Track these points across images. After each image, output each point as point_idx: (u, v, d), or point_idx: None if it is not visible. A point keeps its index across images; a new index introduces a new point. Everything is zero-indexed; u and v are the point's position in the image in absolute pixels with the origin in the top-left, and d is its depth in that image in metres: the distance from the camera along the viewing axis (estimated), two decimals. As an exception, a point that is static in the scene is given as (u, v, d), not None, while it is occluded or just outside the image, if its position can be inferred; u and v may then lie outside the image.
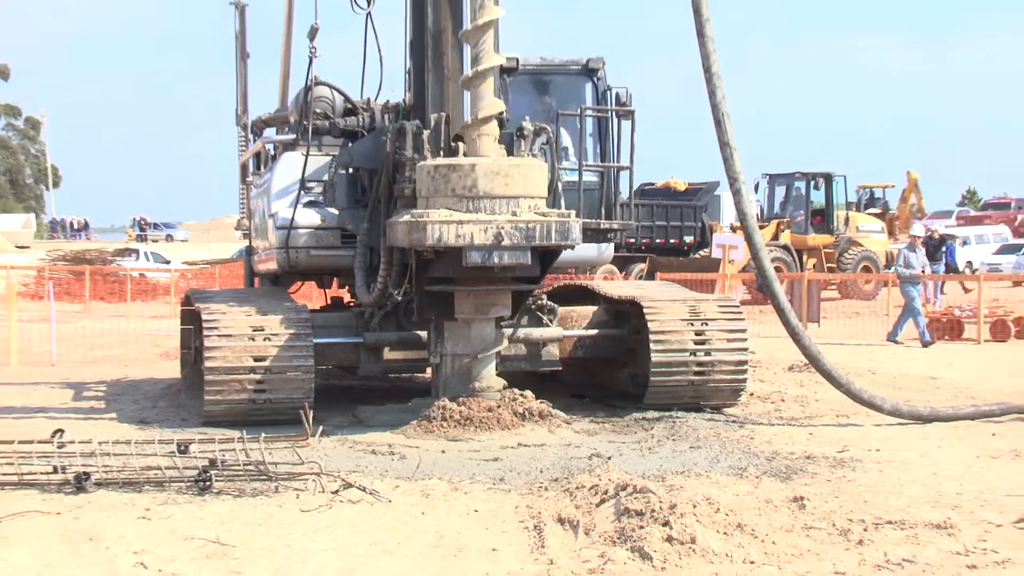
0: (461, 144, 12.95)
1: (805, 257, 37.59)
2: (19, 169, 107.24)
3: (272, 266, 14.98)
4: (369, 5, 14.56)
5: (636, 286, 17.37)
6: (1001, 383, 16.74)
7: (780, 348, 14.95)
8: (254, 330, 12.87)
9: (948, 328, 25.42)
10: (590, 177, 14.65)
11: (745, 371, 14.11)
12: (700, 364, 13.79)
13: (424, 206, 12.52)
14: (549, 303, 14.51)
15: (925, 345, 23.17)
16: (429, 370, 14.06)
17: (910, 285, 23.35)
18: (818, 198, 39.30)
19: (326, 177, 14.45)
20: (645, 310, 13.85)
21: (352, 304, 15.04)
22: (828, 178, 39.34)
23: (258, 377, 12.72)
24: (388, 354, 14.15)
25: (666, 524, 8.03)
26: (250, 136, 19.04)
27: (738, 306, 14.62)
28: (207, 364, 12.75)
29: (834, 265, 38.11)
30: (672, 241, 39.15)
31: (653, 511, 8.24)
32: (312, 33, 14.81)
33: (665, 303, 14.12)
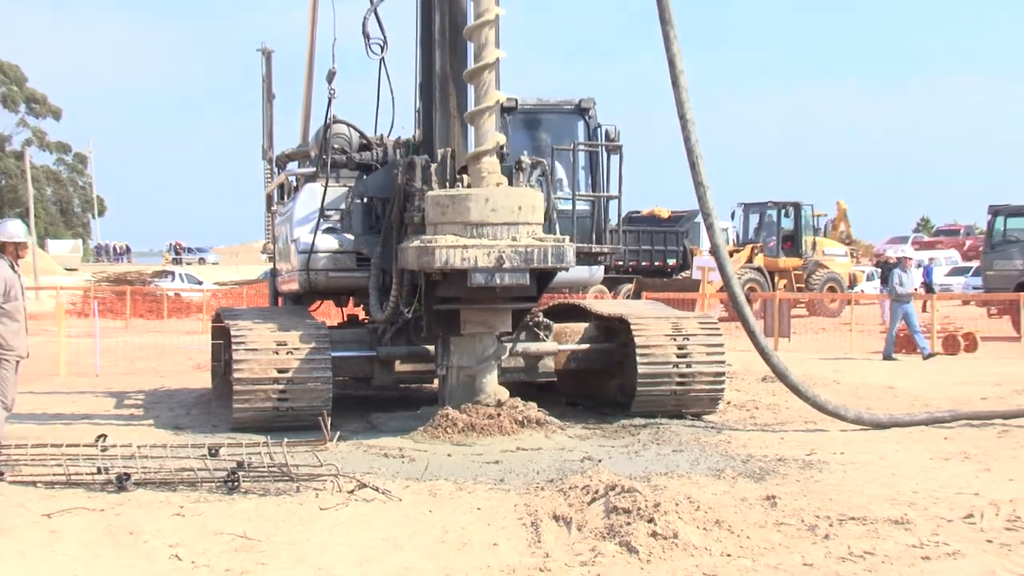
0: (466, 176, 13.00)
1: (776, 278, 37.60)
2: (68, 199, 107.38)
3: (294, 286, 14.98)
4: (382, 51, 14.56)
5: (624, 304, 17.33)
6: (952, 392, 16.72)
7: (755, 360, 14.90)
8: (278, 345, 12.86)
9: (905, 342, 25.38)
10: (582, 206, 14.65)
11: (723, 382, 14.09)
12: (682, 375, 13.78)
13: (432, 232, 12.52)
14: (545, 320, 14.51)
15: (931, 356, 22.81)
16: (437, 381, 14.02)
17: (903, 304, 23.10)
18: (788, 225, 39.33)
19: (343, 206, 14.45)
20: (632, 326, 13.85)
21: (366, 321, 15.01)
22: (797, 207, 39.45)
23: (281, 387, 12.70)
24: (399, 366, 14.14)
25: (651, 521, 8.02)
26: (275, 169, 19.08)
27: (716, 323, 14.64)
28: (236, 375, 12.73)
29: (803, 285, 38.13)
30: (656, 264, 39.20)
31: (639, 509, 8.23)
32: (331, 76, 14.84)
33: (650, 320, 14.12)
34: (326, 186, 14.33)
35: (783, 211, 39.41)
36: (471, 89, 13.13)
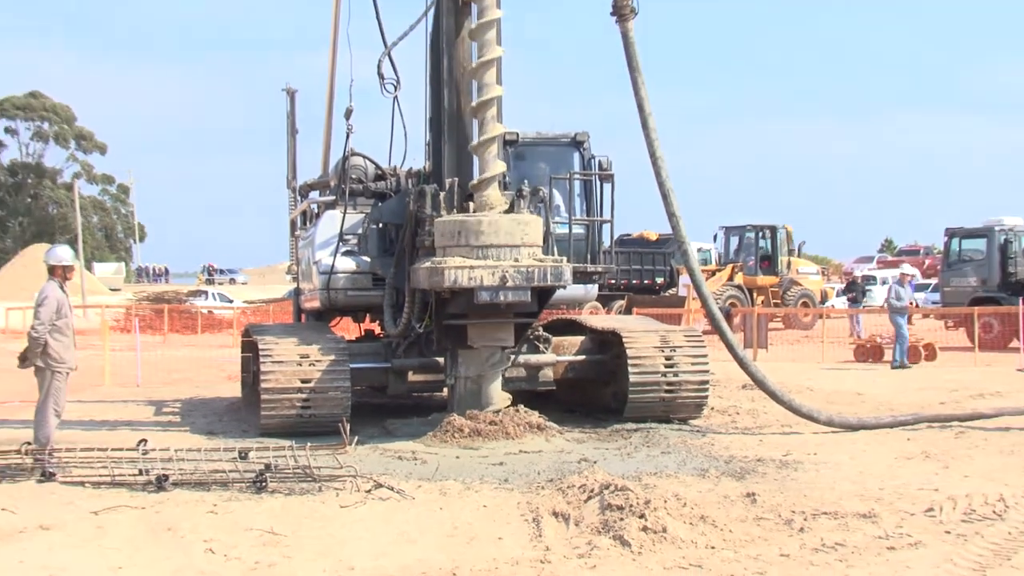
0: (471, 203, 13.01)
1: (755, 295, 37.52)
2: (112, 226, 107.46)
3: (316, 304, 14.97)
4: (396, 91, 14.61)
5: (616, 319, 17.32)
6: (914, 397, 16.69)
7: (735, 370, 14.90)
8: (301, 357, 12.85)
9: (871, 352, 25.34)
10: (578, 230, 14.66)
11: (707, 389, 14.07)
12: (669, 384, 13.76)
13: (441, 255, 12.54)
14: (545, 334, 14.49)
15: (903, 367, 22.42)
16: (446, 390, 14.02)
17: (899, 315, 22.99)
18: (765, 246, 39.33)
19: (360, 231, 14.46)
20: (624, 339, 13.84)
21: (382, 335, 15.01)
22: (773, 230, 39.47)
23: (304, 396, 12.69)
24: (412, 377, 14.13)
25: (642, 516, 8.01)
26: (298, 197, 19.10)
27: (700, 335, 14.62)
28: (263, 385, 12.73)
29: (779, 301, 38.06)
30: (646, 282, 39.10)
31: (631, 506, 8.22)
32: (348, 113, 14.94)
33: (640, 333, 14.11)
34: (344, 213, 14.36)
35: (760, 234, 39.45)
36: (476, 123, 13.16)
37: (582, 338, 14.82)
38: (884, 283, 46.40)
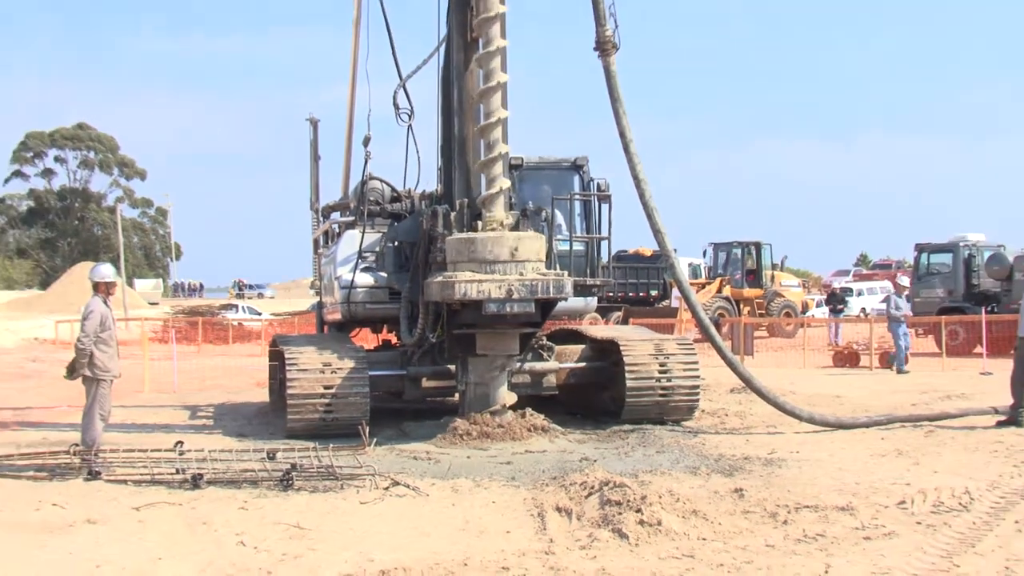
0: (480, 222, 13.01)
1: (742, 306, 37.51)
2: (151, 246, 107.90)
3: (337, 316, 14.98)
4: (410, 119, 14.66)
5: (614, 329, 17.29)
6: (887, 400, 16.66)
7: (724, 375, 14.91)
8: (324, 365, 12.85)
9: (849, 358, 25.30)
10: (578, 246, 14.65)
11: (698, 393, 14.04)
12: (664, 388, 13.74)
13: (452, 269, 12.55)
14: (548, 343, 14.49)
15: (898, 372, 22.35)
16: (457, 394, 14.01)
17: (897, 324, 22.88)
18: (750, 261, 39.32)
19: (378, 249, 14.48)
20: (621, 347, 13.83)
21: (398, 345, 15.01)
22: (758, 246, 39.52)
23: (327, 401, 12.69)
24: (426, 383, 14.12)
25: (639, 511, 7.99)
26: (320, 218, 19.13)
27: (692, 344, 14.59)
28: (289, 391, 12.73)
29: (764, 311, 38.05)
30: (641, 295, 39.11)
31: (629, 501, 8.20)
32: (366, 141, 14.98)
33: (637, 342, 14.09)
34: (363, 232, 14.38)
35: (746, 249, 39.46)
36: (482, 144, 13.16)
37: (583, 346, 14.81)
38: (860, 295, 46.44)
